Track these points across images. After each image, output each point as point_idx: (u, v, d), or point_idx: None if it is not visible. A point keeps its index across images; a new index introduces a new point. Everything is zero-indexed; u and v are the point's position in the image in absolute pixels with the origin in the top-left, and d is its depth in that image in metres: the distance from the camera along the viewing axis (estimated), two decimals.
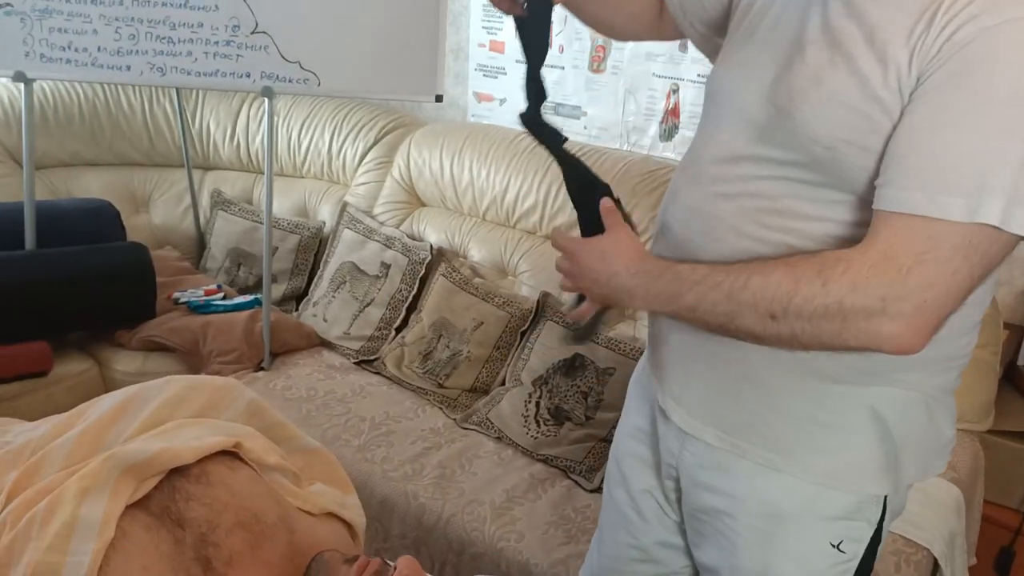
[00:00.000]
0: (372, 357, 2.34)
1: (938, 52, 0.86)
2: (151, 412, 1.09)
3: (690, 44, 2.26)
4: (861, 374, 1.02)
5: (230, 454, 1.05)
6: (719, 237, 1.05)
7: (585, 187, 1.15)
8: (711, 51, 1.24)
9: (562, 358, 2.05)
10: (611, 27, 1.34)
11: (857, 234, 0.95)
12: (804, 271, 0.91)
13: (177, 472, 0.99)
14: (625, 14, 1.29)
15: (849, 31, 0.94)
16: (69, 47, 2.22)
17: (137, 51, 2.22)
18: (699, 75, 2.29)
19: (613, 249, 1.08)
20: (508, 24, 2.64)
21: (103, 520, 0.89)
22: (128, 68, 2.23)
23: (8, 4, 2.19)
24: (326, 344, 2.43)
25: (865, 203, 0.94)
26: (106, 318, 2.35)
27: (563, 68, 2.55)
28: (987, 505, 1.83)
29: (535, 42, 1.20)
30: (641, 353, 1.87)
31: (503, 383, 2.17)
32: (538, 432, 1.99)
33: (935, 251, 0.86)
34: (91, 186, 2.75)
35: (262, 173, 2.81)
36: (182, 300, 2.46)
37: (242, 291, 2.63)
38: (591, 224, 1.13)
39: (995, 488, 1.84)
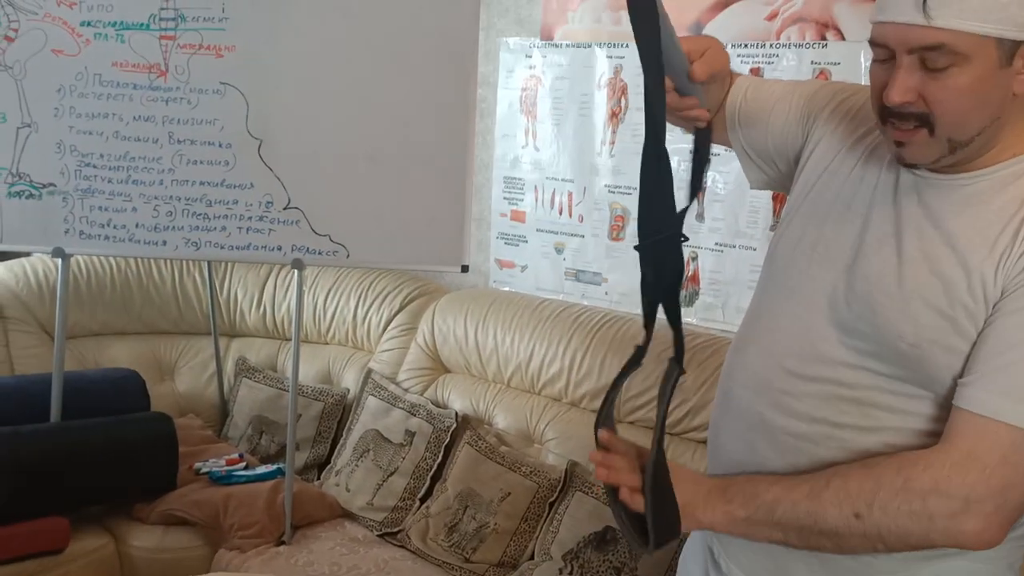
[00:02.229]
0: (396, 529, 2.28)
1: None
2: None
3: (707, 214, 2.36)
4: (923, 558, 1.01)
5: None
6: (792, 413, 1.06)
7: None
8: (749, 166, 1.25)
9: (593, 531, 1.99)
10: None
11: (935, 428, 0.97)
12: (883, 470, 0.93)
13: None
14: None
15: (924, 229, 0.97)
16: (108, 224, 2.30)
17: (173, 227, 2.30)
18: (716, 243, 2.35)
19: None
20: (528, 195, 2.74)
21: None
22: (164, 243, 2.31)
23: (52, 184, 2.29)
24: (348, 515, 2.38)
25: (945, 399, 0.96)
26: (126, 491, 2.32)
27: (583, 236, 2.62)
28: None
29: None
30: None
31: (531, 557, 2.10)
32: None
33: (1017, 455, 0.89)
34: (119, 355, 2.77)
35: (288, 340, 2.84)
36: (203, 470, 2.43)
37: (264, 459, 2.61)
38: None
39: None
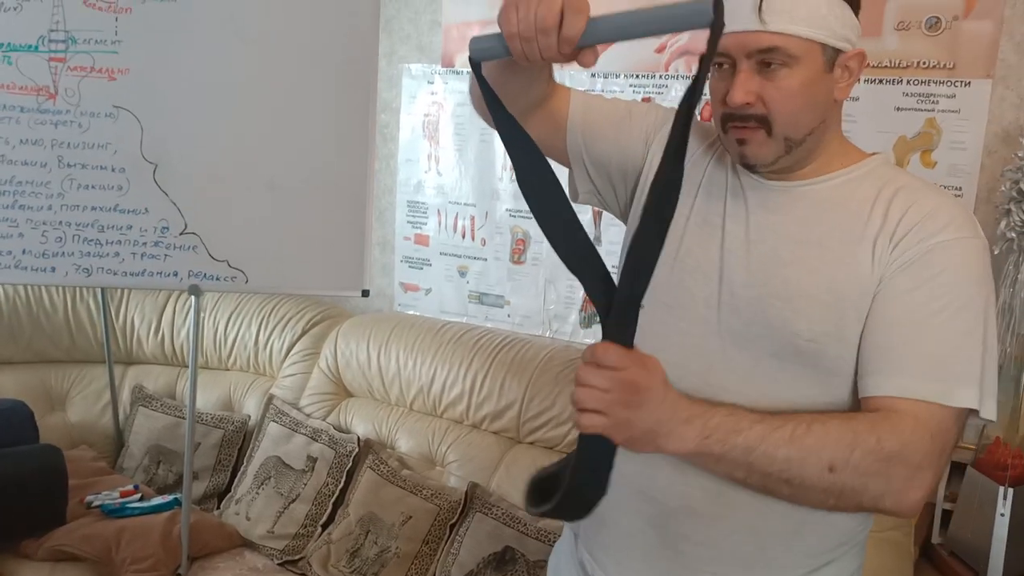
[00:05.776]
0: (297, 557, 2.25)
1: (903, 254, 1.00)
2: None
3: (603, 238, 2.43)
4: (824, 552, 1.10)
5: None
6: None
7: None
8: (582, 177, 1.23)
9: (493, 551, 2.02)
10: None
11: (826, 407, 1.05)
12: (859, 424, 0.97)
13: None
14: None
15: (792, 235, 1.06)
16: None
17: (63, 253, 2.24)
18: (612, 267, 2.41)
19: (658, 368, 0.94)
20: (432, 219, 2.77)
21: None
22: (53, 270, 2.24)
23: None
24: (249, 544, 2.34)
25: (834, 383, 1.04)
26: (12, 527, 2.22)
27: (486, 260, 2.66)
28: None
29: None
30: None
31: None
32: None
33: (943, 425, 0.97)
34: (5, 385, 2.67)
35: (187, 367, 2.78)
36: (95, 503, 2.36)
37: (161, 490, 2.54)
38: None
39: None
